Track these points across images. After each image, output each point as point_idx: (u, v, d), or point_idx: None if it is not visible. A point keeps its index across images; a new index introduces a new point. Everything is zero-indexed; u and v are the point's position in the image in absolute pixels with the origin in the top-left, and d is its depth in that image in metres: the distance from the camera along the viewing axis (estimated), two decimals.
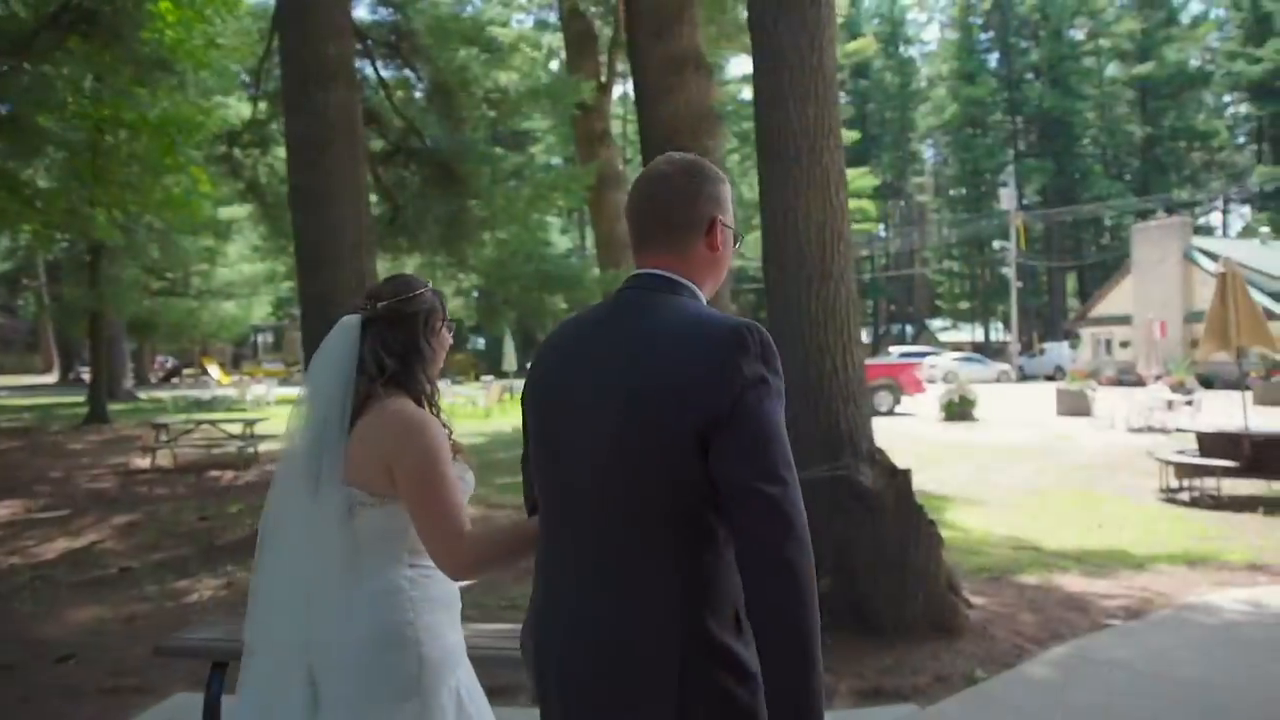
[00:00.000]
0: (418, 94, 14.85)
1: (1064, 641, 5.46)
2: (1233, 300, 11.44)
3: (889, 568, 5.22)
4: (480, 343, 57.53)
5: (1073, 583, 6.98)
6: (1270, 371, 26.02)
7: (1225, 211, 76.76)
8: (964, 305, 70.24)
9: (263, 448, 14.98)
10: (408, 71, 14.23)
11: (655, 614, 1.64)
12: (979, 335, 69.45)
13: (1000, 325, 67.22)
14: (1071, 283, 69.73)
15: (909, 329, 73.27)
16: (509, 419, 25.25)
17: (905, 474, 5.42)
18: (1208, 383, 26.99)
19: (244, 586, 7.03)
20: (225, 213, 19.38)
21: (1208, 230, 69.66)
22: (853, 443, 5.48)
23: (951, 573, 5.68)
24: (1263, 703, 4.53)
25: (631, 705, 1.64)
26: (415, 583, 2.18)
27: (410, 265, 17.13)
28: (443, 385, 20.84)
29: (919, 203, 76.77)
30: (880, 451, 5.60)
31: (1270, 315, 34.11)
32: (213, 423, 15.45)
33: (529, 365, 2.05)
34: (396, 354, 2.21)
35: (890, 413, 24.18)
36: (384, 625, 2.13)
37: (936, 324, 69.90)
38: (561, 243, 52.58)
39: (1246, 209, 72.41)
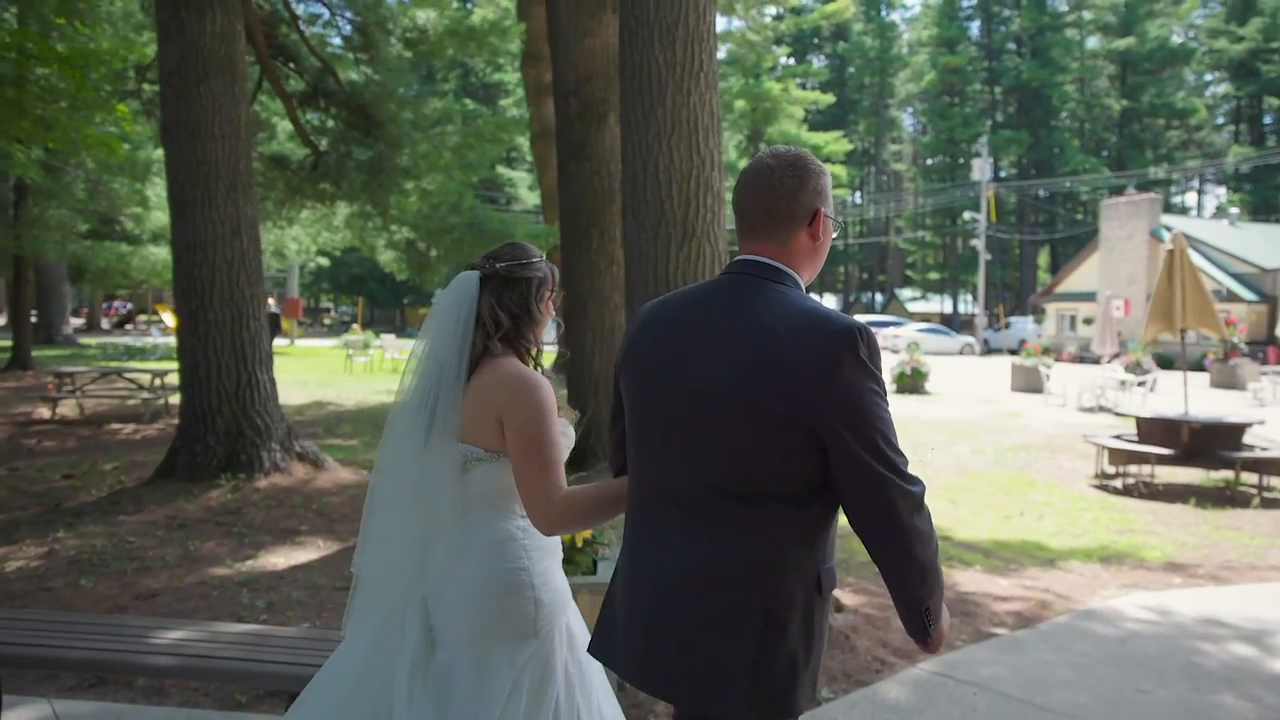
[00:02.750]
0: (335, 34, 13.99)
1: (934, 655, 4.87)
2: (1180, 280, 10.87)
3: None
4: None
5: (971, 580, 6.41)
6: (1228, 354, 25.65)
7: (1200, 191, 76.62)
8: (934, 276, 69.91)
9: (175, 399, 14.24)
10: (322, 6, 13.34)
11: (740, 570, 1.80)
12: (948, 307, 69.16)
13: (970, 297, 66.91)
14: (1044, 257, 69.41)
15: (879, 298, 72.86)
16: None
17: None
18: (1167, 363, 26.62)
19: (68, 556, 6.38)
20: (147, 154, 18.42)
21: (1183, 210, 69.52)
22: None
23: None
24: None
25: (695, 643, 1.82)
26: (526, 531, 2.32)
27: (339, 215, 16.34)
28: (389, 339, 20.23)
29: (894, 170, 76.08)
30: None
31: (1233, 297, 33.91)
32: (119, 373, 14.66)
33: (628, 337, 2.11)
34: (511, 313, 2.33)
35: None
36: (501, 573, 2.27)
37: (906, 294, 69.58)
38: (530, 198, 51.61)
39: (1222, 190, 72.23)
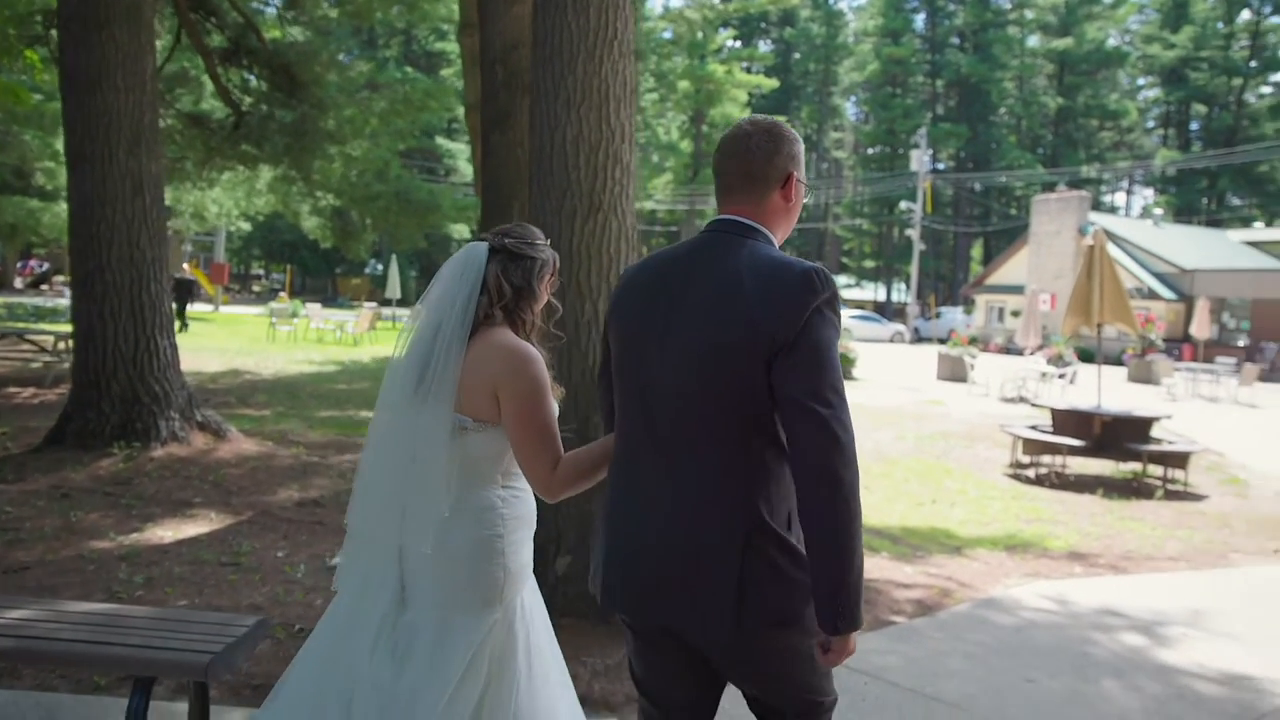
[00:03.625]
0: None
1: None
2: (1099, 276, 11.01)
3: None
4: (379, 267, 55.77)
5: (876, 567, 6.39)
6: (1145, 350, 26.25)
7: (1129, 192, 78.36)
8: (870, 264, 70.64)
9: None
10: None
11: (726, 502, 1.94)
12: (882, 294, 69.94)
13: (903, 286, 67.70)
14: (978, 249, 70.47)
15: None
16: (381, 347, 24.18)
17: None
18: (1088, 356, 27.15)
19: None
20: (57, 106, 17.70)
21: (1112, 209, 71.04)
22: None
23: None
24: None
25: (701, 572, 1.95)
26: (506, 501, 2.38)
27: (262, 179, 15.88)
28: (314, 309, 19.78)
29: (835, 158, 76.59)
30: None
31: (1153, 295, 34.72)
32: (20, 334, 14.10)
33: (613, 296, 2.24)
34: (514, 285, 2.39)
35: None
36: (478, 539, 2.33)
37: (842, 280, 70.11)
38: (470, 171, 50.90)
39: (1150, 191, 73.94)
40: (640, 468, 2.10)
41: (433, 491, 2.32)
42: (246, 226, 40.87)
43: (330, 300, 51.16)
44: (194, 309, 30.67)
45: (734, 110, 56.68)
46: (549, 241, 2.54)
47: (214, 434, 8.53)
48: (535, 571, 3.25)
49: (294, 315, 27.51)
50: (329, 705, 2.33)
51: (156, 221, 8.24)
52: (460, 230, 43.44)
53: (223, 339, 23.50)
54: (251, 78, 13.28)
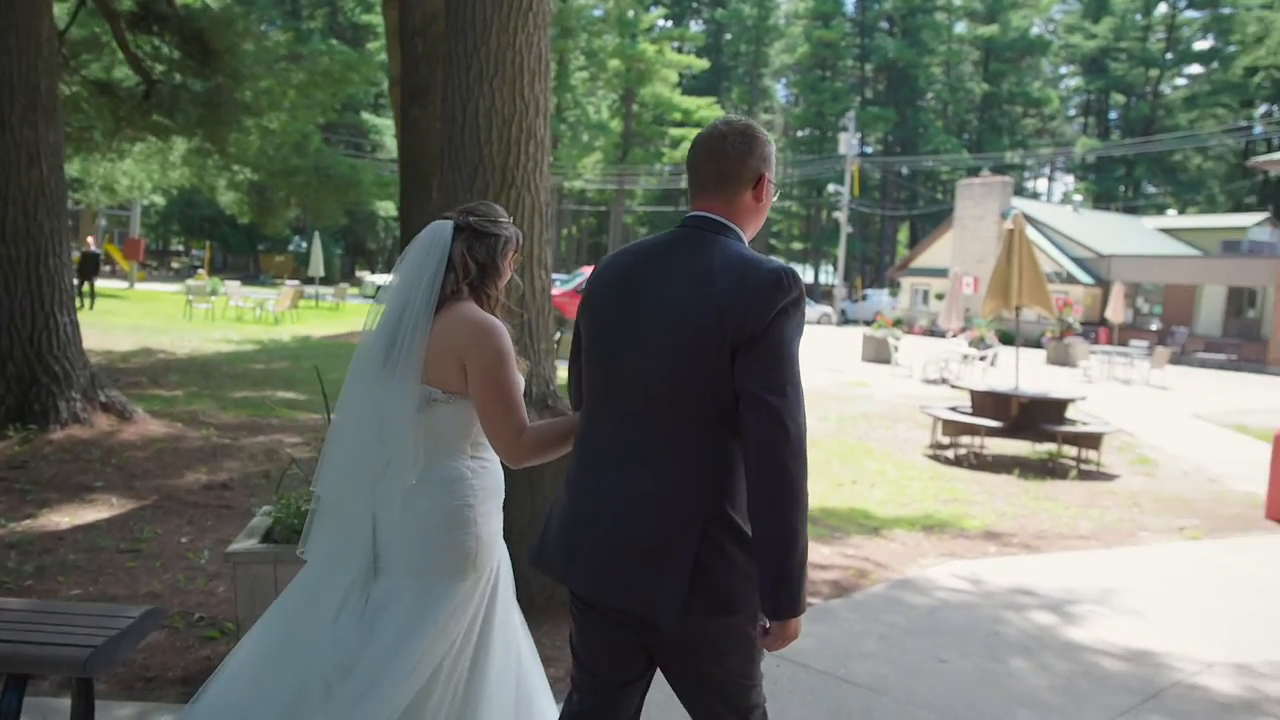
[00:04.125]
0: None
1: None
2: (1018, 259, 11.18)
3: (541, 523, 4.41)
4: (303, 244, 54.68)
5: None
6: (1063, 333, 26.86)
7: (1050, 178, 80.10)
8: (798, 245, 71.17)
9: None
10: None
11: (687, 490, 2.02)
12: (810, 276, 70.59)
13: (831, 268, 68.40)
14: (904, 233, 71.48)
15: None
16: (303, 326, 23.69)
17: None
18: (1009, 339, 27.71)
19: None
20: None
21: (1034, 194, 72.54)
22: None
23: None
24: (932, 716, 3.96)
25: (656, 556, 2.02)
26: (475, 472, 2.47)
27: (176, 151, 15.37)
28: (233, 286, 19.22)
29: None
30: (557, 396, 4.78)
31: (1072, 280, 35.55)
32: None
33: (588, 284, 2.28)
34: (479, 262, 2.48)
35: None
36: (449, 508, 2.41)
37: None
38: (395, 146, 50.01)
39: (1070, 178, 75.68)
40: (605, 451, 2.18)
41: (401, 462, 2.42)
42: (161, 200, 39.70)
43: (252, 278, 50.01)
44: (107, 286, 29.73)
45: (664, 90, 56.58)
46: (509, 219, 2.62)
47: (118, 415, 8.22)
48: None
49: (212, 293, 26.81)
50: (289, 663, 2.43)
51: (55, 193, 7.89)
52: (387, 207, 42.73)
53: (136, 317, 22.79)
54: (163, 45, 12.80)
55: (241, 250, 59.60)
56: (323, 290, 34.81)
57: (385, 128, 51.52)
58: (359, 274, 57.87)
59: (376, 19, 49.58)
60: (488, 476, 2.52)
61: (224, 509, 6.38)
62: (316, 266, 30.82)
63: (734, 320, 1.98)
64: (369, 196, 16.98)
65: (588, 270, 26.92)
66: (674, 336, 2.05)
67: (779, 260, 2.11)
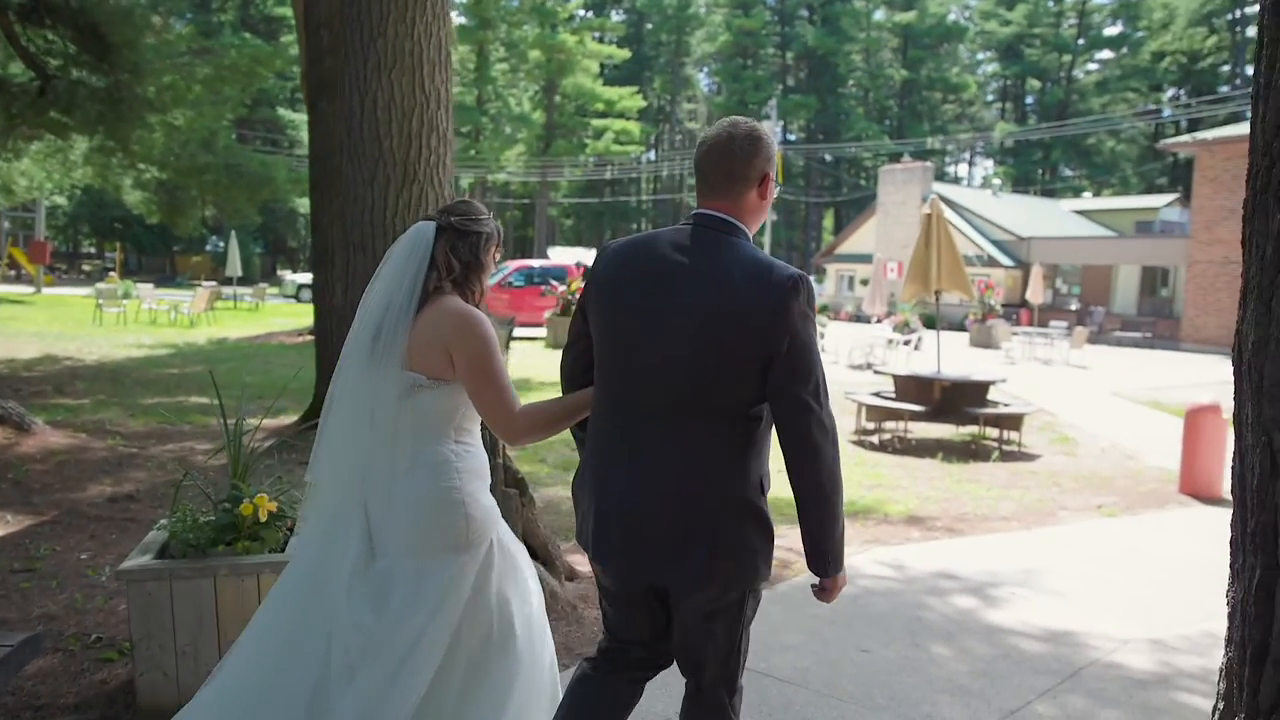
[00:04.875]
0: None
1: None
2: (936, 243, 11.30)
3: None
4: (221, 244, 53.40)
5: None
6: (986, 315, 27.36)
7: (970, 163, 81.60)
8: None
9: None
10: None
11: (707, 475, 2.23)
12: None
13: None
14: (829, 219, 72.27)
15: None
16: (220, 328, 23.12)
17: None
18: (932, 323, 28.15)
19: None
20: None
21: (955, 179, 73.82)
22: None
23: (549, 541, 4.86)
24: (851, 707, 3.95)
25: (680, 537, 2.25)
26: (459, 455, 2.61)
27: (77, 150, 14.84)
28: (146, 289, 18.58)
29: (689, 129, 77.07)
30: None
31: (993, 263, 36.22)
32: None
33: (594, 274, 2.42)
34: (462, 260, 2.63)
35: None
36: (437, 490, 2.55)
37: None
38: None
39: (990, 162, 77.17)
40: (628, 436, 2.33)
41: (389, 446, 2.59)
42: (63, 201, 38.43)
43: (168, 280, 48.70)
44: (11, 291, 28.69)
45: (586, 81, 56.35)
46: (489, 215, 2.77)
47: (15, 427, 7.89)
48: None
49: (124, 296, 26.00)
50: (306, 647, 2.57)
51: None
52: (307, 204, 41.94)
53: (42, 323, 22.00)
54: (57, 39, 12.31)
55: (156, 251, 58.03)
56: (241, 291, 34.03)
57: (303, 123, 50.45)
58: (280, 273, 56.73)
59: (290, 11, 48.61)
60: (471, 459, 2.67)
61: (129, 522, 6.15)
62: (234, 266, 30.12)
63: (759, 323, 2.18)
64: (284, 193, 16.61)
65: (515, 265, 26.66)
66: (699, 337, 2.21)
67: (791, 266, 2.25)
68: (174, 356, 16.44)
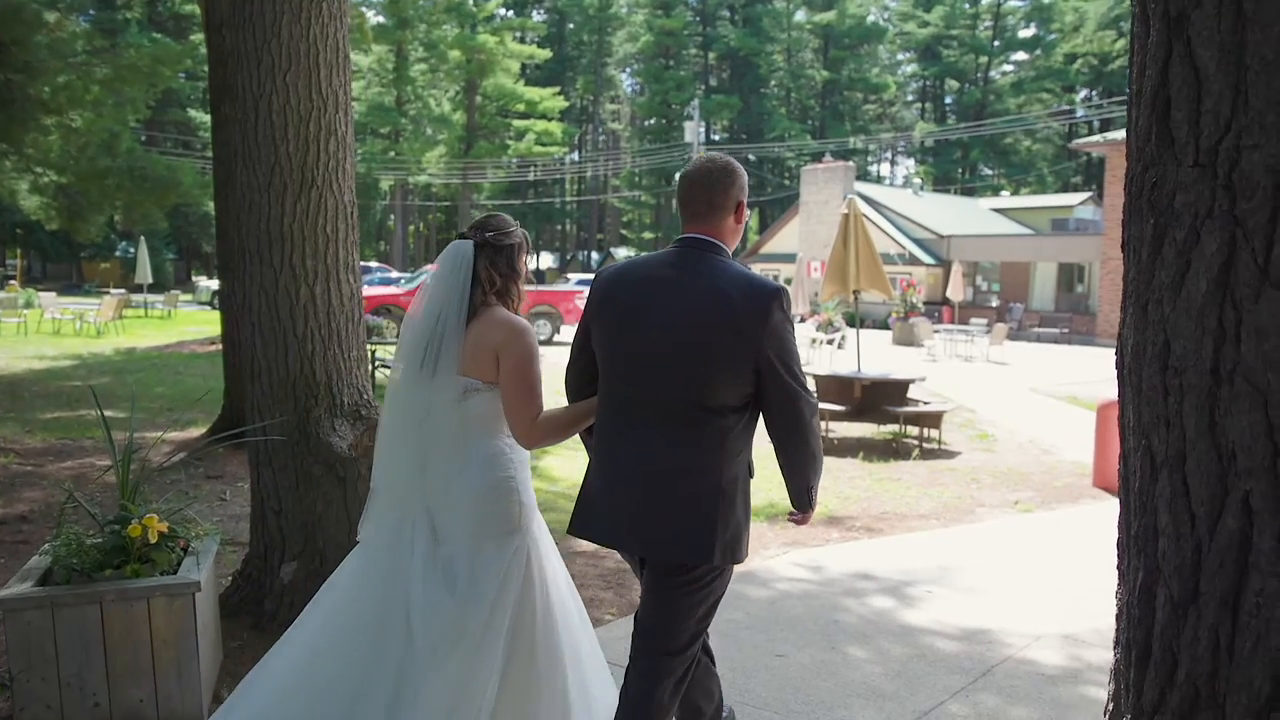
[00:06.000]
0: None
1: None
2: (854, 243, 11.43)
3: None
4: (131, 250, 51.92)
5: None
6: (908, 313, 27.81)
7: (893, 162, 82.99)
8: (649, 235, 71.67)
9: None
10: None
11: (704, 461, 2.63)
12: None
13: None
14: (754, 219, 72.79)
15: (595, 256, 73.99)
16: (128, 338, 22.46)
17: None
18: (854, 321, 28.53)
19: None
20: None
21: (878, 178, 74.97)
22: (331, 393, 4.42)
23: None
24: (765, 714, 3.94)
25: (680, 514, 2.64)
26: (512, 448, 3.00)
27: None
28: (49, 298, 17.92)
29: (612, 129, 77.15)
30: (371, 406, 4.58)
31: (915, 261, 36.83)
32: None
33: (594, 294, 2.85)
34: (503, 274, 3.00)
35: (549, 341, 23.74)
36: (495, 479, 2.94)
37: (622, 252, 70.79)
38: None
39: (911, 161, 78.54)
40: (633, 438, 2.72)
41: (447, 445, 2.92)
42: None
43: (75, 287, 47.20)
44: None
45: (507, 81, 56.00)
46: (517, 225, 3.10)
47: None
48: (254, 580, 4.19)
49: (26, 305, 25.13)
50: (386, 630, 2.88)
51: None
52: None
53: None
54: None
55: (62, 258, 56.17)
56: (152, 298, 33.12)
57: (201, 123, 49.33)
58: (195, 279, 55.31)
59: (199, 8, 47.50)
60: (520, 451, 3.02)
61: (21, 544, 5.92)
62: (144, 273, 29.29)
63: (749, 329, 2.59)
64: (194, 197, 16.16)
65: (433, 268, 26.36)
66: (692, 342, 2.62)
67: (771, 280, 2.70)
68: (77, 368, 15.92)
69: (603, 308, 2.80)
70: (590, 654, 3.21)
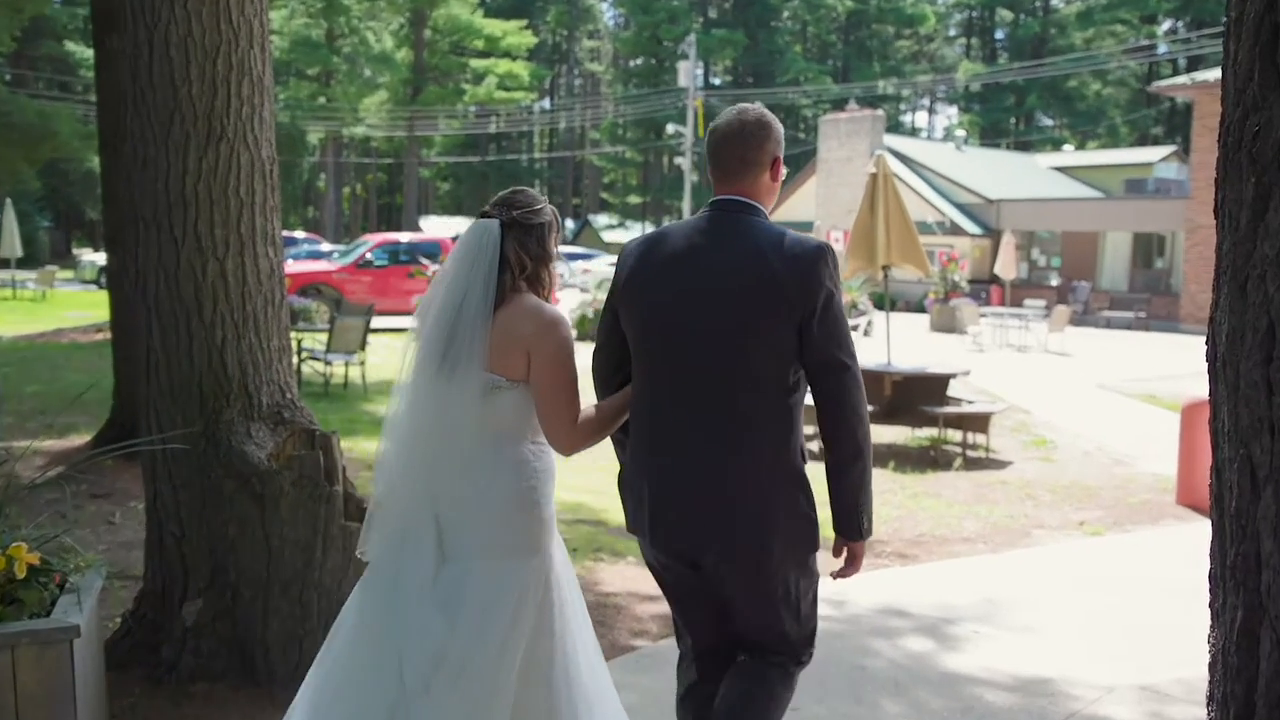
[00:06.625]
0: None
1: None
2: (883, 209, 11.42)
3: (286, 587, 4.23)
4: None
5: (618, 577, 6.40)
6: (949, 294, 27.87)
7: (931, 110, 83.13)
8: (635, 199, 71.69)
9: None
10: None
11: (761, 449, 2.85)
12: None
13: None
14: None
15: (570, 224, 73.94)
16: None
17: (328, 440, 4.42)
18: (883, 303, 28.57)
19: None
20: None
21: (913, 130, 75.06)
22: (246, 392, 4.40)
23: None
24: None
25: (738, 511, 2.85)
26: (537, 455, 3.14)
27: None
28: None
29: (590, 71, 77.04)
30: (296, 407, 4.56)
31: (956, 230, 36.92)
32: None
33: (621, 271, 3.07)
34: (533, 256, 3.13)
35: None
36: (518, 491, 3.07)
37: (602, 220, 70.87)
38: None
39: (954, 109, 78.63)
40: (673, 420, 2.92)
41: (464, 450, 3.03)
42: None
43: None
44: None
45: (462, 12, 55.86)
46: (545, 201, 3.21)
47: None
48: (150, 622, 4.33)
49: None
50: (384, 666, 2.99)
51: None
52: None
53: None
54: None
55: None
56: (22, 275, 32.92)
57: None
58: (76, 252, 55.04)
59: None
60: (546, 459, 3.15)
61: None
62: (12, 245, 29.04)
63: (793, 295, 2.78)
64: (74, 150, 16.10)
65: (373, 239, 26.29)
66: (734, 311, 2.82)
67: (816, 238, 2.87)
68: None
69: (630, 285, 3.01)
70: (609, 697, 3.33)
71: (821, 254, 2.82)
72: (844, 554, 3.01)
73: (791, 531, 2.88)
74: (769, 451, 2.85)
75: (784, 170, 3.08)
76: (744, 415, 2.83)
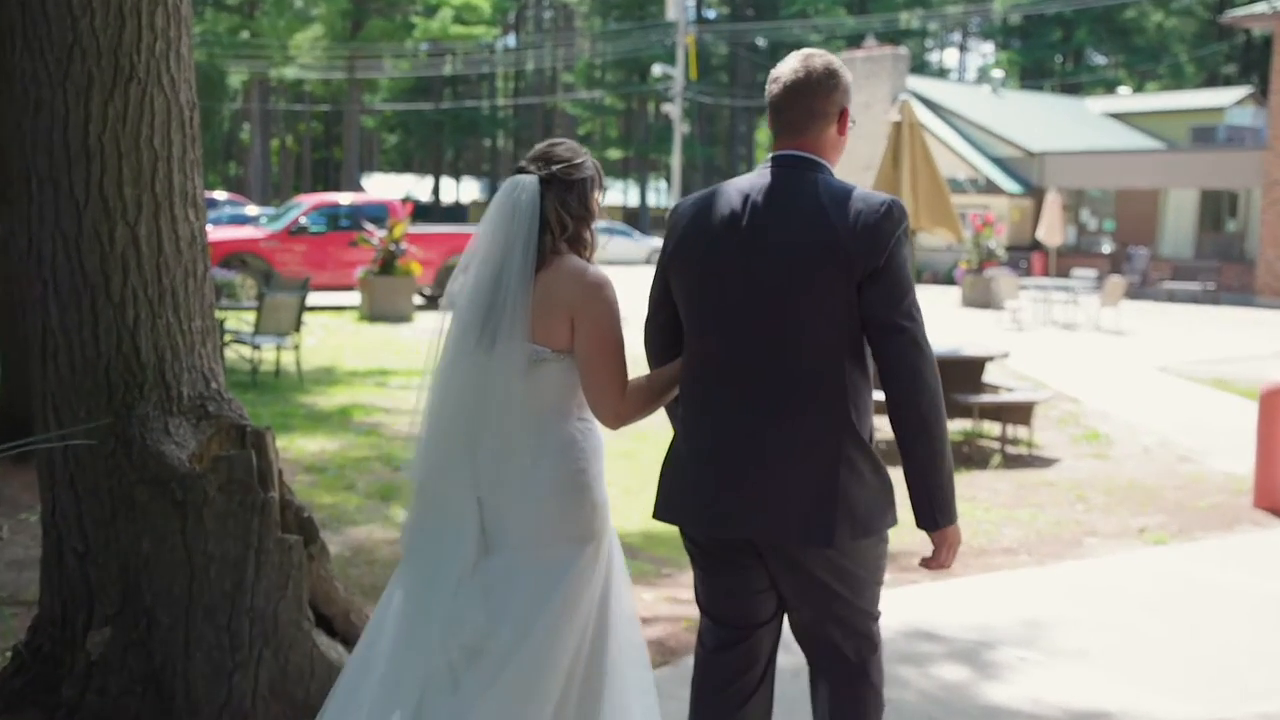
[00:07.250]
0: None
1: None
2: (908, 163, 11.46)
3: (212, 612, 4.22)
4: None
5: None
6: (983, 263, 27.88)
7: (963, 48, 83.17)
8: (615, 154, 71.63)
9: None
10: None
11: (821, 417, 3.01)
12: (634, 198, 71.18)
13: (664, 184, 69.14)
14: (763, 131, 72.88)
15: None
16: None
17: (261, 437, 4.41)
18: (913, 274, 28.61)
19: None
20: None
21: (941, 71, 75.12)
22: (163, 381, 4.38)
23: (350, 607, 4.78)
24: None
25: (797, 484, 3.01)
26: (585, 434, 3.33)
27: None
28: None
29: (563, 3, 76.88)
30: (223, 399, 4.55)
31: (992, 189, 36.95)
32: None
33: (672, 233, 3.28)
34: (575, 215, 3.31)
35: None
36: (568, 474, 3.26)
37: None
38: None
39: (990, 46, 78.67)
40: (727, 390, 3.09)
41: (507, 429, 3.19)
42: None
43: None
44: None
45: None
46: (587, 154, 3.39)
47: None
48: (47, 655, 4.34)
49: None
50: (419, 656, 3.23)
51: None
52: None
53: None
54: None
55: None
56: None
57: None
58: None
59: None
60: (594, 438, 3.34)
61: None
62: None
63: (855, 252, 2.93)
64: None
65: (307, 200, 26.20)
66: (800, 277, 2.98)
67: (883, 193, 3.02)
68: None
69: (681, 248, 3.20)
70: (650, 703, 3.55)
71: (888, 209, 2.97)
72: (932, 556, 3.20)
73: (852, 503, 2.99)
74: (838, 427, 2.98)
75: (852, 123, 3.22)
76: (808, 385, 3.00)
